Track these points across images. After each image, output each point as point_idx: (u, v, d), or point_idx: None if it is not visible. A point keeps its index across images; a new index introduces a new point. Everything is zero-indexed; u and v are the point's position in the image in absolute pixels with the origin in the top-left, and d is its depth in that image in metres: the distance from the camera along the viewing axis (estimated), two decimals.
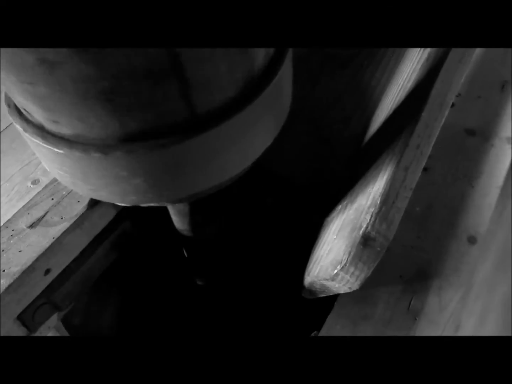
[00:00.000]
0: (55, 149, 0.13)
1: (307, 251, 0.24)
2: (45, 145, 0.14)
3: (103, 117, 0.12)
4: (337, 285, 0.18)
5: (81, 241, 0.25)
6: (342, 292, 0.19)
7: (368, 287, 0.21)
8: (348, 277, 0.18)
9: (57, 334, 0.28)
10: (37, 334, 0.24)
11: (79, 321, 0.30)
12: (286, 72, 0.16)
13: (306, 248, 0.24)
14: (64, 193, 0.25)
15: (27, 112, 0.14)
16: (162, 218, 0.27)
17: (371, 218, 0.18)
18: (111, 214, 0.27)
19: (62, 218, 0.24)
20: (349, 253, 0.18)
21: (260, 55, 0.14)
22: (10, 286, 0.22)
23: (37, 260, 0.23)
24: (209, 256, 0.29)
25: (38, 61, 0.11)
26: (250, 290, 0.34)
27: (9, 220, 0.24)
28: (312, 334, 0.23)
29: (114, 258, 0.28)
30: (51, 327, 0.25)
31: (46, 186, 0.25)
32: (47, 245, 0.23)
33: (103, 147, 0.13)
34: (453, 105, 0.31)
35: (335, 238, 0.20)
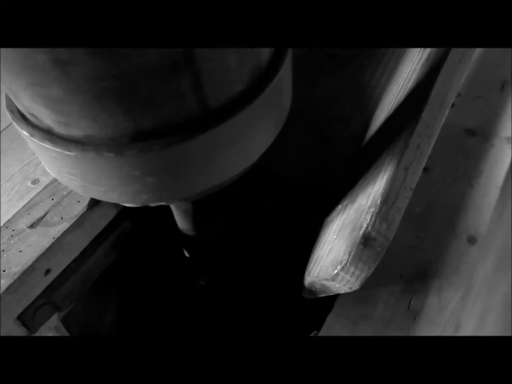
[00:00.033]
0: (66, 152, 0.13)
1: (307, 251, 0.24)
2: (55, 149, 0.13)
3: (117, 116, 0.12)
4: (337, 285, 0.18)
5: (81, 241, 0.25)
6: (342, 292, 0.19)
7: (368, 287, 0.21)
8: (349, 277, 0.18)
9: (57, 334, 0.28)
10: (37, 334, 0.24)
11: (79, 321, 0.30)
12: (286, 72, 0.16)
13: (306, 248, 0.24)
14: (64, 193, 0.25)
15: (35, 116, 0.13)
16: (162, 218, 0.27)
17: (371, 218, 0.18)
18: (111, 214, 0.27)
19: (62, 218, 0.24)
20: (350, 253, 0.18)
21: (266, 48, 0.15)
22: (10, 286, 0.22)
23: (37, 260, 0.23)
24: (210, 256, 0.29)
25: (52, 62, 0.11)
26: (250, 290, 0.34)
27: (9, 220, 0.24)
28: (312, 334, 0.23)
29: (114, 258, 0.29)
30: (51, 327, 0.25)
31: (46, 186, 0.25)
32: (47, 245, 0.23)
33: (116, 146, 0.13)
34: (453, 105, 0.31)
35: (335, 238, 0.20)
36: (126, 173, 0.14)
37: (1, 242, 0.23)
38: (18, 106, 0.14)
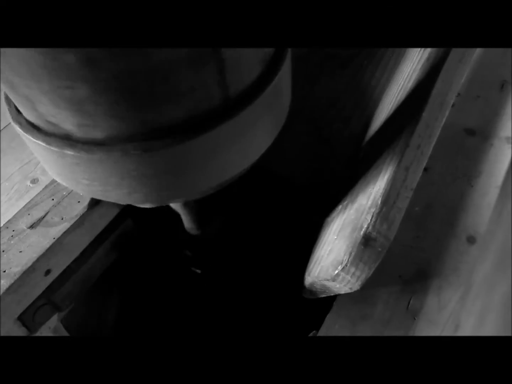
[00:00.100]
0: (89, 156, 0.13)
1: (308, 251, 0.24)
2: (77, 154, 0.13)
3: (144, 111, 0.12)
4: (337, 286, 0.18)
5: (82, 242, 0.25)
6: (342, 292, 0.19)
7: (367, 287, 0.21)
8: (349, 278, 0.18)
9: (57, 335, 0.28)
10: (38, 334, 0.24)
11: (79, 321, 0.30)
12: (285, 72, 0.16)
13: (306, 248, 0.24)
14: (64, 193, 0.25)
15: (52, 123, 0.13)
16: (162, 218, 0.27)
17: (372, 218, 0.18)
18: (111, 214, 0.27)
19: (62, 219, 0.24)
20: (350, 253, 0.18)
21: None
22: (10, 286, 0.22)
23: (37, 260, 0.23)
24: (210, 256, 0.29)
25: (81, 61, 0.11)
26: (250, 290, 0.34)
27: (9, 220, 0.24)
28: (311, 334, 0.23)
29: (115, 258, 0.29)
30: (51, 328, 0.25)
31: (46, 187, 0.25)
32: (48, 246, 0.23)
33: (143, 144, 0.13)
34: (452, 105, 0.31)
35: (335, 238, 0.20)
36: (153, 171, 0.14)
37: (1, 243, 0.23)
38: (28, 117, 0.14)
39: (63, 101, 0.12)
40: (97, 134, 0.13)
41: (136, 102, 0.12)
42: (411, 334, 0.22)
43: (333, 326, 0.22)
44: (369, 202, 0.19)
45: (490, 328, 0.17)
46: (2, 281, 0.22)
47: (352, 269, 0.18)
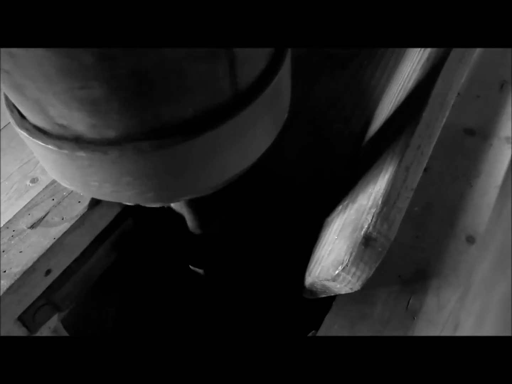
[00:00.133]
0: (102, 156, 0.13)
1: (308, 251, 0.24)
2: (90, 155, 0.13)
3: (159, 107, 0.12)
4: (338, 286, 0.18)
5: (82, 242, 0.25)
6: (343, 292, 0.19)
7: (366, 287, 0.21)
8: (350, 278, 0.18)
9: (57, 335, 0.28)
10: (38, 334, 0.24)
11: (79, 321, 0.30)
12: (285, 72, 0.16)
13: (306, 248, 0.24)
14: (64, 193, 0.25)
15: (62, 125, 0.13)
16: (162, 218, 0.27)
17: (372, 218, 0.18)
18: (111, 214, 0.27)
19: (62, 219, 0.24)
20: (351, 253, 0.18)
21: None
22: (10, 287, 0.22)
23: (37, 260, 0.23)
24: (211, 255, 0.29)
25: (98, 59, 0.11)
26: (250, 290, 0.34)
27: (9, 220, 0.24)
28: (310, 334, 0.23)
29: (115, 258, 0.29)
30: (51, 328, 0.25)
31: (46, 187, 0.25)
32: (48, 246, 0.23)
33: (157, 141, 0.13)
34: (452, 104, 0.31)
35: (336, 239, 0.20)
36: (165, 168, 0.14)
37: (2, 243, 0.23)
38: (34, 121, 0.14)
39: (76, 101, 0.12)
40: (110, 133, 0.13)
41: (151, 99, 0.12)
42: (410, 334, 0.22)
43: (332, 326, 0.22)
44: (370, 202, 0.19)
45: (489, 328, 0.17)
46: (2, 281, 0.22)
47: (353, 269, 0.18)
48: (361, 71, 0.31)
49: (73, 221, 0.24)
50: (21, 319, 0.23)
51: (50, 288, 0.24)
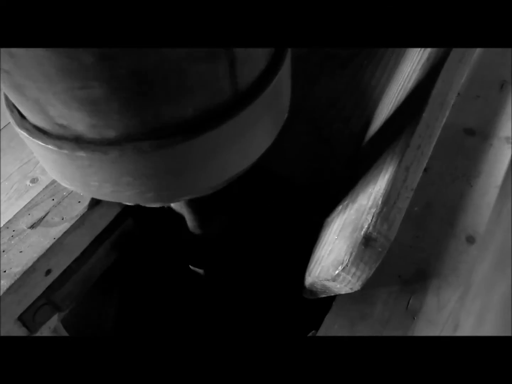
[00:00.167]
0: (102, 156, 0.13)
1: (308, 251, 0.24)
2: (90, 155, 0.13)
3: (159, 107, 0.12)
4: (338, 286, 0.18)
5: (82, 242, 0.25)
6: (343, 292, 0.19)
7: (366, 287, 0.21)
8: (350, 278, 0.18)
9: (58, 335, 0.28)
10: (38, 334, 0.24)
11: (79, 321, 0.30)
12: (285, 72, 0.16)
13: (306, 248, 0.24)
14: (64, 193, 0.25)
15: (62, 126, 0.13)
16: (162, 218, 0.27)
17: (372, 218, 0.18)
18: (111, 215, 0.27)
19: (62, 219, 0.24)
20: (351, 253, 0.18)
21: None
22: (11, 286, 0.22)
23: (37, 260, 0.23)
24: (211, 255, 0.29)
25: (98, 59, 0.11)
26: (250, 290, 0.34)
27: (9, 220, 0.24)
28: (310, 334, 0.23)
29: (115, 258, 0.29)
30: (51, 328, 0.25)
31: (46, 187, 0.25)
32: (48, 246, 0.23)
33: (157, 141, 0.13)
34: (452, 104, 0.31)
35: (336, 239, 0.20)
36: (164, 167, 0.14)
37: (2, 243, 0.23)
38: (34, 121, 0.14)
39: (76, 101, 0.12)
40: (110, 133, 0.13)
41: (151, 99, 0.12)
42: (410, 334, 0.22)
43: (332, 326, 0.22)
44: (370, 202, 0.19)
45: (489, 328, 0.17)
46: (2, 281, 0.22)
47: (353, 269, 0.18)
48: (361, 71, 0.31)
49: (73, 221, 0.24)
50: (21, 319, 0.23)
51: (50, 288, 0.24)
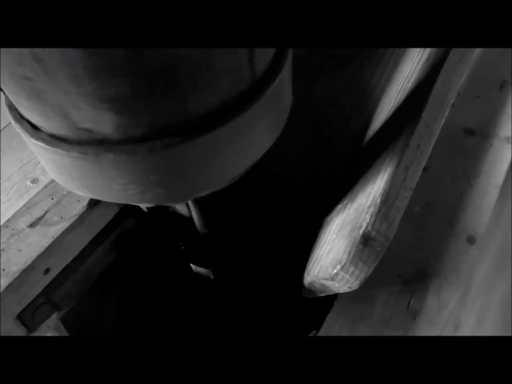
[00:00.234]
0: (131, 155, 0.13)
1: (307, 251, 0.24)
2: (116, 156, 0.13)
3: (186, 99, 0.12)
4: (337, 285, 0.18)
5: (81, 241, 0.25)
6: (342, 291, 0.19)
7: (367, 286, 0.21)
8: (348, 277, 0.18)
9: (57, 334, 0.28)
10: (37, 333, 0.24)
11: (78, 320, 0.30)
12: (286, 73, 0.16)
13: (306, 248, 0.24)
14: (64, 192, 0.25)
15: (85, 129, 0.13)
16: (162, 217, 0.27)
17: (371, 217, 0.18)
18: (110, 214, 0.27)
19: (62, 218, 0.24)
20: (349, 252, 0.18)
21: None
22: (9, 285, 0.22)
23: (36, 259, 0.23)
24: (211, 255, 0.29)
25: (129, 56, 0.11)
26: (250, 289, 0.34)
27: (9, 219, 0.24)
28: (311, 334, 0.23)
29: (114, 258, 0.29)
30: (50, 327, 0.25)
31: (46, 186, 0.25)
32: (47, 245, 0.23)
33: (186, 133, 0.13)
34: (452, 104, 0.31)
35: (335, 238, 0.20)
36: (189, 162, 0.14)
37: (1, 241, 0.23)
38: (52, 129, 0.13)
39: (105, 101, 0.12)
40: (137, 131, 0.13)
41: (180, 91, 0.12)
42: (411, 334, 0.22)
43: (333, 326, 0.22)
44: (369, 202, 0.19)
45: (489, 327, 0.17)
46: (1, 280, 0.22)
47: (351, 268, 0.18)
48: (361, 71, 0.31)
49: (72, 220, 0.24)
50: (20, 317, 0.23)
51: (49, 287, 0.24)
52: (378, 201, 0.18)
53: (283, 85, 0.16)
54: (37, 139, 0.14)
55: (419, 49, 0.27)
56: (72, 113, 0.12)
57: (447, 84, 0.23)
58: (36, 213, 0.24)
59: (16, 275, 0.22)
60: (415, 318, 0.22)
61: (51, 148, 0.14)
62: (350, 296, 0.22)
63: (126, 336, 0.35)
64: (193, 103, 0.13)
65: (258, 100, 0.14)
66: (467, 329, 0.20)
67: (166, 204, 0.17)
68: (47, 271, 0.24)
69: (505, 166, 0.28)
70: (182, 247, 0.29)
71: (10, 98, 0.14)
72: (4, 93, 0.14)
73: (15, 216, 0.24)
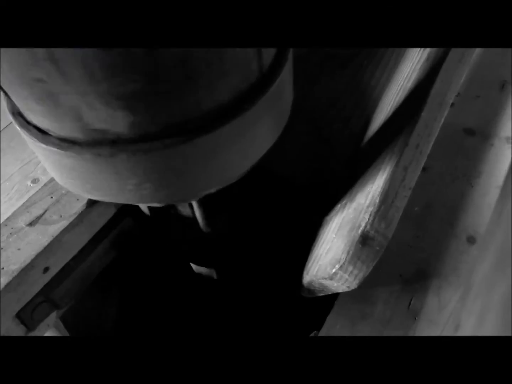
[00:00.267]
0: (147, 153, 0.13)
1: (307, 251, 0.24)
2: (130, 156, 0.13)
3: (199, 93, 0.12)
4: (335, 284, 0.18)
5: (80, 239, 0.25)
6: (340, 291, 0.19)
7: (367, 286, 0.21)
8: (347, 276, 0.18)
9: (56, 333, 0.28)
10: (36, 332, 0.24)
11: (78, 320, 0.30)
12: (287, 73, 0.16)
13: (305, 248, 0.24)
14: (63, 191, 0.25)
15: (98, 130, 0.13)
16: (161, 217, 0.27)
17: (370, 217, 0.18)
18: (110, 213, 0.27)
19: (61, 216, 0.24)
20: (348, 252, 0.18)
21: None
22: (8, 284, 0.22)
23: (36, 258, 0.23)
24: (211, 254, 0.29)
25: (147, 51, 0.11)
26: (249, 289, 0.34)
27: (8, 218, 0.24)
28: (312, 334, 0.23)
29: (114, 257, 0.28)
30: (50, 325, 0.25)
31: (45, 185, 0.25)
32: (46, 243, 0.23)
33: (201, 127, 0.13)
34: (452, 104, 0.31)
35: (334, 237, 0.20)
36: (187, 162, 0.14)
37: (0, 240, 0.23)
38: (63, 132, 0.13)
39: (120, 99, 0.12)
40: (151, 129, 0.13)
41: (195, 85, 0.12)
42: (411, 334, 0.21)
43: (334, 326, 0.22)
44: (368, 201, 0.19)
45: (490, 327, 0.17)
46: (0, 279, 0.22)
47: (350, 268, 0.18)
48: (361, 71, 0.31)
49: (71, 219, 0.24)
50: (19, 316, 0.23)
51: (49, 286, 0.24)
52: (377, 200, 0.18)
53: (284, 85, 0.16)
54: (47, 143, 0.14)
55: (418, 49, 0.27)
56: (85, 114, 0.12)
57: (446, 84, 0.23)
58: (36, 211, 0.24)
59: (15, 273, 0.22)
60: (415, 318, 0.22)
61: (62, 152, 0.13)
62: (350, 296, 0.22)
63: (126, 335, 0.35)
64: (206, 96, 0.13)
65: (264, 95, 0.14)
66: (468, 329, 0.20)
67: (178, 203, 0.17)
68: (46, 269, 0.24)
69: (505, 166, 0.28)
70: (186, 248, 0.29)
71: (17, 103, 0.13)
72: (8, 98, 0.14)
73: (15, 214, 0.24)
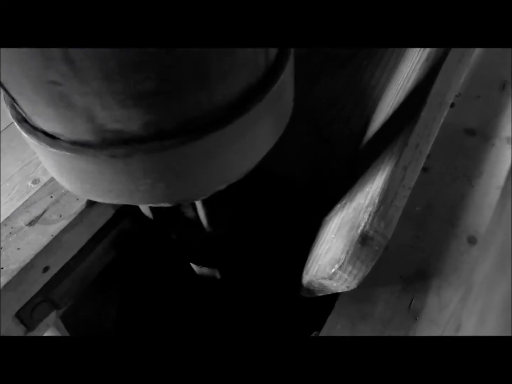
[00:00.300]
0: (162, 151, 0.12)
1: (306, 251, 0.24)
2: (142, 155, 0.13)
3: (213, 88, 0.12)
4: (335, 284, 0.18)
5: (80, 239, 0.25)
6: (340, 291, 0.19)
7: (368, 286, 0.21)
8: (346, 276, 0.18)
9: (56, 332, 0.28)
10: (36, 331, 0.24)
11: (77, 319, 0.30)
12: (288, 74, 0.16)
13: (305, 248, 0.24)
14: (63, 191, 0.25)
15: (111, 131, 0.12)
16: (162, 217, 0.27)
17: (369, 217, 0.18)
18: (110, 212, 0.27)
19: (60, 216, 0.24)
20: (347, 252, 0.18)
21: None
22: (8, 283, 0.22)
23: (35, 257, 0.23)
24: (211, 254, 0.29)
25: (162, 50, 0.11)
26: (249, 289, 0.34)
27: (8, 217, 0.24)
28: (313, 334, 0.23)
29: (113, 256, 0.28)
30: (49, 325, 0.25)
31: (45, 184, 0.25)
32: (46, 243, 0.23)
33: (215, 122, 0.13)
34: (452, 104, 0.31)
35: (333, 237, 0.20)
36: (202, 158, 0.14)
37: (0, 240, 0.23)
38: (75, 135, 0.13)
39: (136, 98, 0.11)
40: (166, 127, 0.13)
41: (208, 79, 0.12)
42: (412, 334, 0.21)
43: (335, 326, 0.21)
44: (367, 201, 0.19)
45: (490, 327, 0.17)
46: (0, 278, 0.22)
47: (349, 268, 0.17)
48: (361, 71, 0.31)
49: (71, 219, 0.24)
50: (19, 316, 0.23)
51: (48, 285, 0.24)
52: (376, 200, 0.18)
53: (285, 85, 0.16)
54: (57, 148, 0.13)
55: (418, 49, 0.27)
56: (98, 115, 0.12)
57: (446, 84, 0.23)
58: (35, 211, 0.24)
59: (15, 273, 0.22)
60: (416, 319, 0.22)
61: (75, 155, 0.13)
62: (351, 296, 0.22)
63: (126, 335, 0.35)
64: (218, 91, 0.13)
65: (267, 94, 0.14)
66: (469, 329, 0.20)
67: (187, 202, 0.17)
68: (46, 269, 0.24)
69: (506, 166, 0.28)
70: (189, 248, 0.29)
71: (24, 108, 0.13)
72: (13, 105, 0.14)
73: (14, 214, 0.24)
